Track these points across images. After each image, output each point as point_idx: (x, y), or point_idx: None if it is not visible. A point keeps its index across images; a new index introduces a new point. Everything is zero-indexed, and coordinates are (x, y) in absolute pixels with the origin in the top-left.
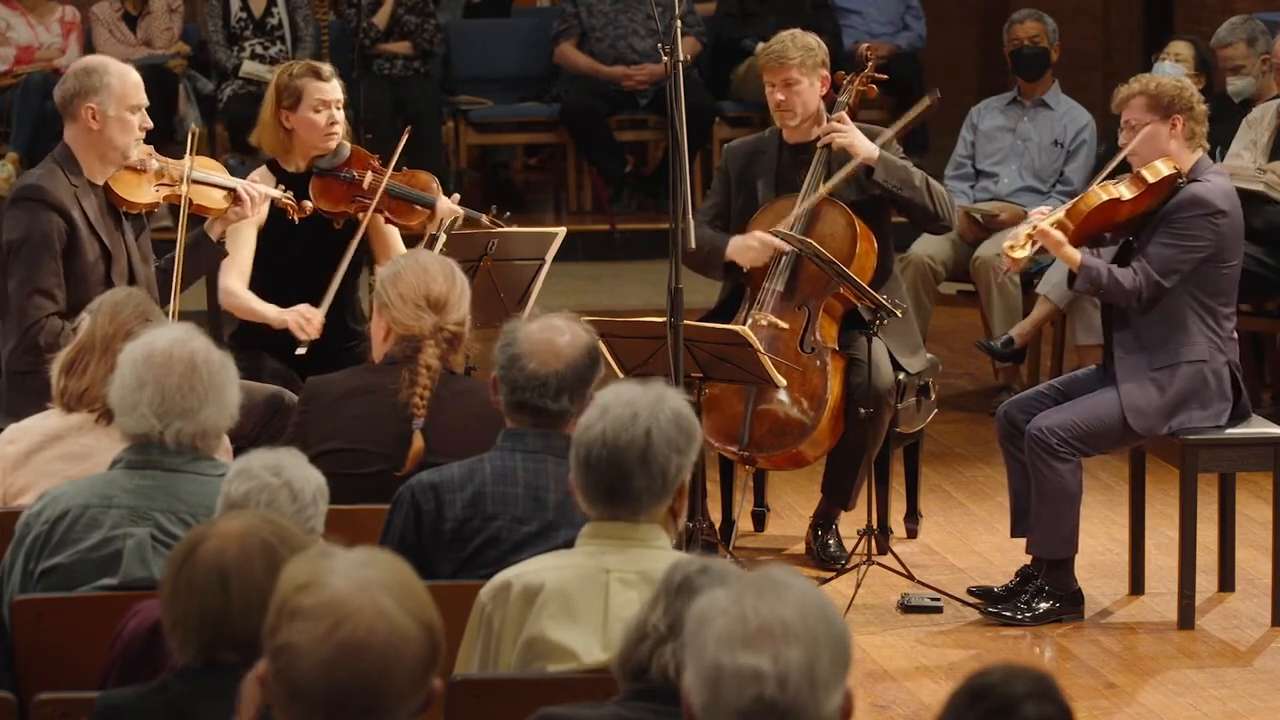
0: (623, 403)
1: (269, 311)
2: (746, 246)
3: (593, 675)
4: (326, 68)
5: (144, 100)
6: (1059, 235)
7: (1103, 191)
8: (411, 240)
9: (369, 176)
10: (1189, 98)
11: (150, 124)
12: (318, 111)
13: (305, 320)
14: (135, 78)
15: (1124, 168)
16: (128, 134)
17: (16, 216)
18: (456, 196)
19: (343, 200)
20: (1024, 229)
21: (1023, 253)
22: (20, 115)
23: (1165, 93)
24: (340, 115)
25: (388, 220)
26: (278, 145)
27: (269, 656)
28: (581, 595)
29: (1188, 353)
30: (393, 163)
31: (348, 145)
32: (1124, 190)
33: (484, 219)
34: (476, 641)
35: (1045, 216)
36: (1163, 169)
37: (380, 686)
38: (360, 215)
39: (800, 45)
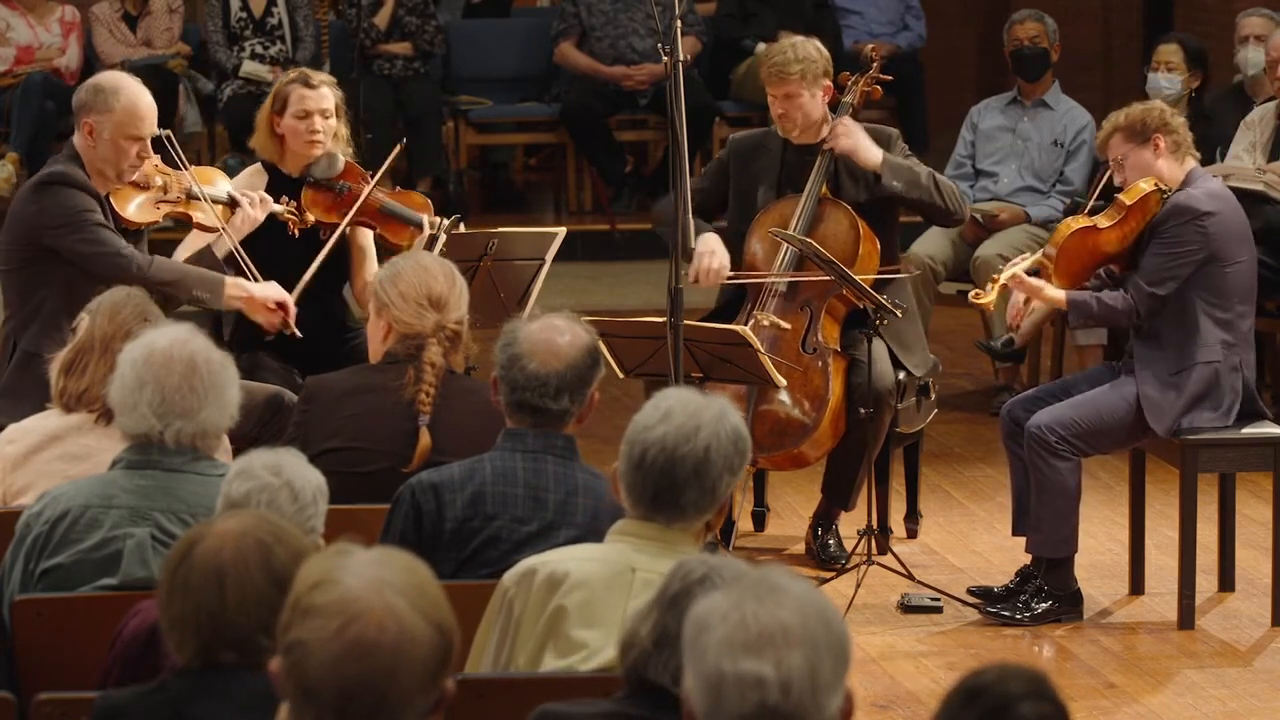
0: (688, 412)
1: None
2: (699, 254)
3: (595, 675)
4: (319, 75)
5: (147, 132)
6: (1035, 281)
7: (1074, 221)
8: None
9: (362, 189)
10: (1159, 115)
11: (151, 155)
12: (299, 119)
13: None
14: (144, 108)
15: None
16: (121, 160)
17: (49, 203)
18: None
19: (333, 210)
20: (1001, 276)
21: (988, 298)
22: (20, 115)
23: (1135, 120)
24: (323, 124)
25: (378, 237)
26: (273, 151)
27: (281, 653)
28: (605, 590)
29: (1202, 354)
30: (379, 174)
31: (342, 158)
32: (1100, 217)
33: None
34: (495, 625)
35: (1012, 265)
36: (1141, 188)
37: (389, 686)
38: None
39: (801, 57)
